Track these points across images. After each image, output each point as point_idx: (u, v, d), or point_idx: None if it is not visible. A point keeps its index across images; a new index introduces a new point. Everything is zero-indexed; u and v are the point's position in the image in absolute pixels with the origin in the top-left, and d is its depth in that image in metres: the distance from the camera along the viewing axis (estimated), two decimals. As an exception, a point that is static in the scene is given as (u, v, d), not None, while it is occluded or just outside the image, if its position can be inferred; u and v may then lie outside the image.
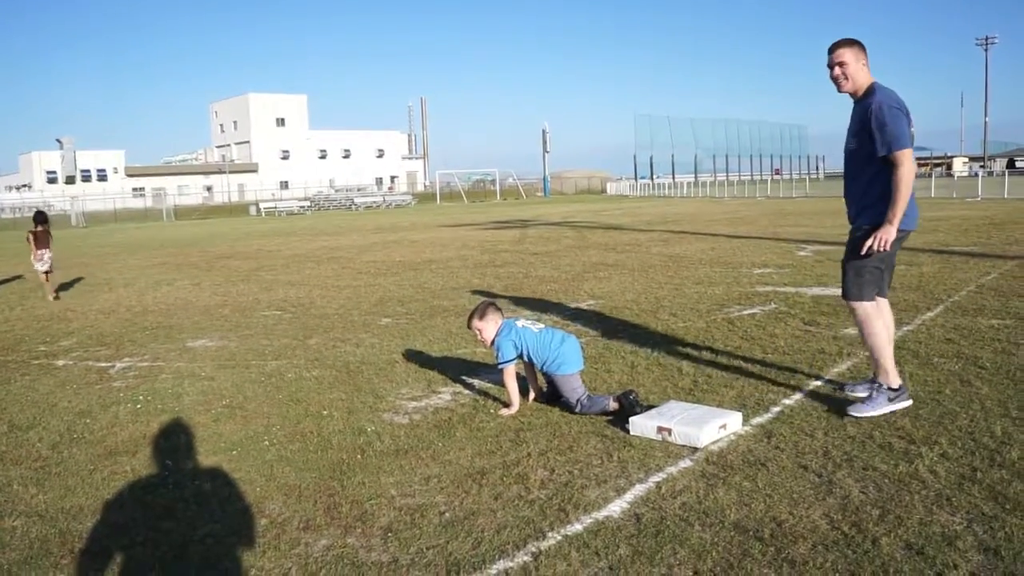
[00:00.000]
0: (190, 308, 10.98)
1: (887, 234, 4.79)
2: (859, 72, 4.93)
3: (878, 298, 5.05)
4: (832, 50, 4.97)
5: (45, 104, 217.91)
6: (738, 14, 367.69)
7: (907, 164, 4.74)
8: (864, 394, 5.17)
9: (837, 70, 4.95)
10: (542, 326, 5.63)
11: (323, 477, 4.36)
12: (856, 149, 5.00)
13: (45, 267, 13.02)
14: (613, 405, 5.13)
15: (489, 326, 5.52)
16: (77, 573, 3.42)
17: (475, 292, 11.13)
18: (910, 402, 4.99)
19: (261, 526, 3.79)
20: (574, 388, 5.28)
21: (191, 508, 4.02)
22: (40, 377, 7.08)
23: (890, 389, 4.95)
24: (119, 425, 5.49)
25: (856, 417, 4.85)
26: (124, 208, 70.03)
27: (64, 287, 14.35)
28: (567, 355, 5.37)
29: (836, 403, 5.16)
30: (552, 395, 5.48)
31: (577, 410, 5.22)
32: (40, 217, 13.62)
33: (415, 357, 7.12)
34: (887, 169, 4.79)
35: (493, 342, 5.50)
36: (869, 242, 4.86)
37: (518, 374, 5.55)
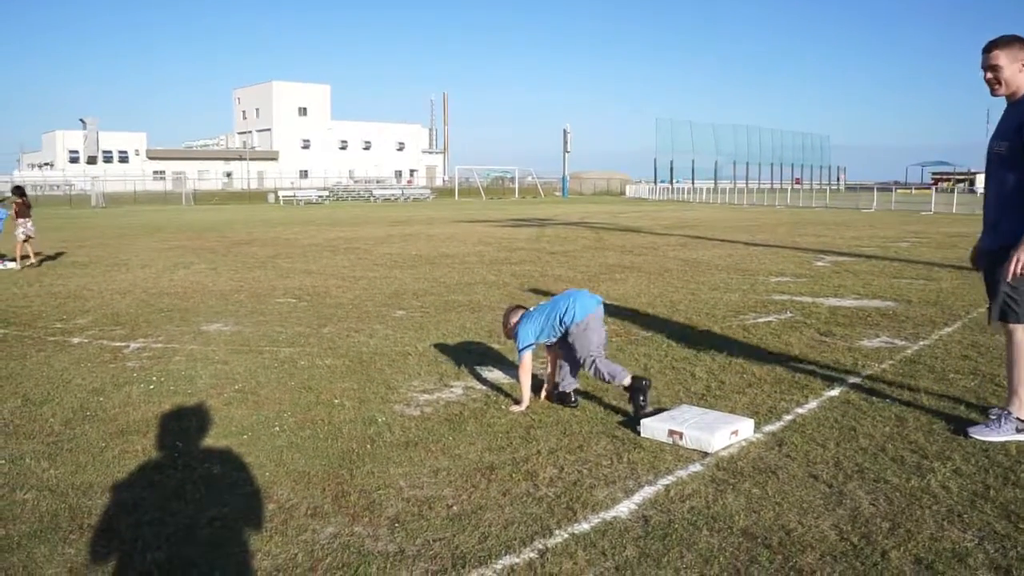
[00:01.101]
0: (206, 292, 11.02)
1: None
2: (1016, 75, 4.51)
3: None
4: (986, 51, 4.57)
5: (70, 84, 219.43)
6: (763, 22, 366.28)
7: None
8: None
9: (990, 74, 4.57)
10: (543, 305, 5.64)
11: (332, 465, 4.37)
12: (1004, 153, 4.62)
13: (27, 234, 14.67)
14: (626, 381, 5.14)
15: (513, 323, 5.56)
16: (85, 548, 3.44)
17: (490, 288, 11.14)
18: None
19: (269, 511, 3.80)
20: (587, 344, 5.28)
21: (200, 490, 4.03)
22: (55, 354, 7.12)
23: (1019, 419, 4.64)
24: (131, 405, 5.52)
25: (975, 439, 4.61)
26: (144, 190, 70.48)
27: (82, 266, 14.53)
28: (577, 302, 5.37)
29: (850, 414, 5.14)
30: (563, 397, 5.48)
31: (586, 367, 5.28)
32: (19, 191, 15.48)
33: (428, 350, 7.13)
34: None
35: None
36: (1011, 268, 4.44)
37: (534, 375, 5.55)
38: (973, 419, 4.96)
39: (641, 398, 5.06)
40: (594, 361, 5.27)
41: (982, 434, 4.65)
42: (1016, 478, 4.07)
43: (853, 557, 3.28)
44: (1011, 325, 4.63)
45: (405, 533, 3.55)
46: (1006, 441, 4.58)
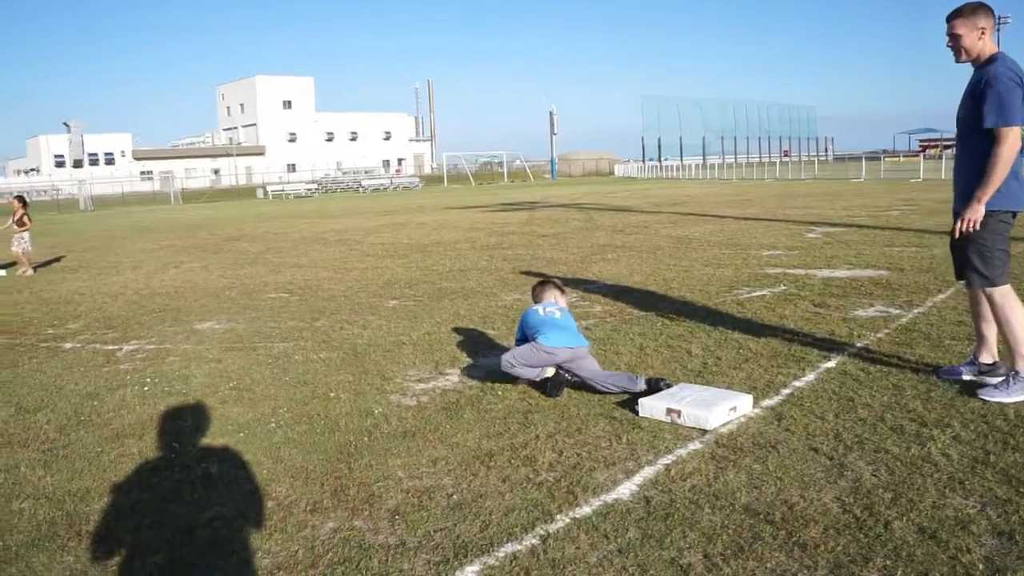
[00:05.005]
0: (197, 291, 10.97)
1: (973, 214, 4.65)
2: (975, 43, 4.70)
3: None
4: (948, 20, 4.77)
5: (52, 87, 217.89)
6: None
7: (1009, 141, 4.51)
8: (968, 377, 5.01)
9: (952, 43, 4.78)
10: (553, 312, 5.67)
11: (330, 459, 4.34)
12: (964, 116, 4.81)
13: (25, 249, 14.63)
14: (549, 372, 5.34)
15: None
16: (84, 555, 3.41)
17: (483, 274, 11.11)
18: None
19: (268, 508, 3.78)
20: (529, 356, 5.36)
21: (198, 491, 4.01)
22: (48, 360, 7.07)
23: None
24: (126, 407, 5.48)
25: (987, 401, 4.64)
26: (132, 191, 70.13)
27: (72, 270, 14.46)
28: (552, 332, 5.42)
29: (847, 385, 5.12)
30: (650, 384, 5.16)
31: (503, 364, 5.39)
32: (22, 200, 15.23)
33: (422, 339, 7.10)
34: (992, 142, 4.58)
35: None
36: (957, 226, 4.75)
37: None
38: (969, 386, 4.95)
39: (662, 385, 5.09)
40: (512, 364, 5.32)
41: (992, 396, 4.67)
42: (1015, 442, 4.06)
43: (856, 529, 3.27)
44: (987, 289, 4.79)
45: (406, 525, 3.53)
46: (1018, 401, 4.59)
